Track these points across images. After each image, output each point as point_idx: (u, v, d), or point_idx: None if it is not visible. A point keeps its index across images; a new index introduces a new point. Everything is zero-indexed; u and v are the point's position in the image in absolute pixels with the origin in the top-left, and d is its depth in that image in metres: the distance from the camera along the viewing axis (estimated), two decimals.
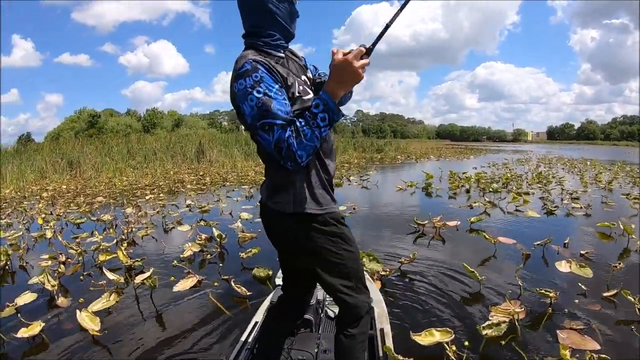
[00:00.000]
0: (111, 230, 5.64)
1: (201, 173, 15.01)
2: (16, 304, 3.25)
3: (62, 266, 3.95)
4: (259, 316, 2.40)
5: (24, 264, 4.46)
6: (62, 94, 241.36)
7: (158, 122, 48.15)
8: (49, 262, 4.13)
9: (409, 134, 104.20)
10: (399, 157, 24.97)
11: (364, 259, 3.61)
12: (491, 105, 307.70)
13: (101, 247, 4.56)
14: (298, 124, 1.29)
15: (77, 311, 2.85)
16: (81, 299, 3.37)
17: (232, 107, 1.41)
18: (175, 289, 3.42)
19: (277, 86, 1.31)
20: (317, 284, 1.75)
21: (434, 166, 16.77)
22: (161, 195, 9.89)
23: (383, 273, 3.54)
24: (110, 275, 3.48)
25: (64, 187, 12.65)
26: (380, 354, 2.01)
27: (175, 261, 4.07)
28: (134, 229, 5.70)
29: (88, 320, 2.80)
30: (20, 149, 18.41)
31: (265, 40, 1.42)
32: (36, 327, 2.77)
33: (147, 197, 9.28)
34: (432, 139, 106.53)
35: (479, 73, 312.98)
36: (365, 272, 3.27)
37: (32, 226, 6.62)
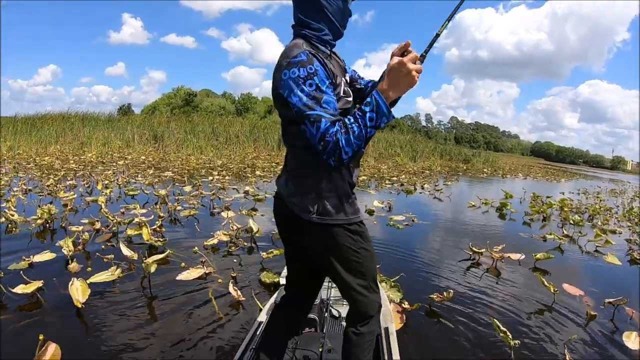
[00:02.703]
0: (158, 206, 5.87)
1: (277, 161, 15.37)
2: (31, 260, 3.54)
3: (86, 234, 4.16)
4: (263, 316, 2.41)
5: (64, 225, 4.79)
6: (166, 71, 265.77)
7: (251, 107, 50.89)
8: (80, 228, 4.37)
9: (502, 148, 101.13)
10: (485, 170, 23.58)
11: (383, 284, 3.25)
12: (591, 127, 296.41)
13: (136, 221, 4.73)
14: (347, 120, 1.32)
15: (74, 279, 2.94)
16: (89, 268, 3.49)
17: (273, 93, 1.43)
18: (179, 277, 3.37)
19: (328, 82, 1.35)
20: (322, 283, 1.85)
21: (520, 185, 15.42)
22: (227, 177, 10.25)
23: (406, 306, 3.06)
24: (125, 251, 3.55)
25: (143, 157, 13.79)
26: (385, 353, 2.03)
27: (197, 247, 4.04)
28: (177, 208, 5.91)
29: (78, 291, 2.87)
30: (113, 118, 20.42)
31: (314, 33, 1.45)
32: (32, 287, 2.95)
33: (211, 178, 9.68)
34: (525, 155, 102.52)
35: (582, 91, 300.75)
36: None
37: (94, 191, 7.19)
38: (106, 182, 7.96)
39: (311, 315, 2.25)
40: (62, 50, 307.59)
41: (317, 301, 2.30)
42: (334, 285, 2.63)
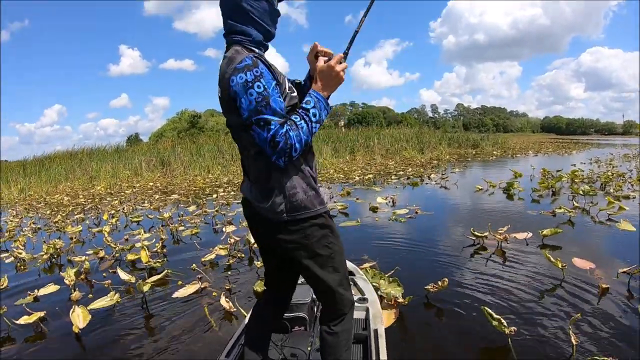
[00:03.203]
0: (160, 228, 6.02)
1: None
2: (36, 294, 3.70)
3: (87, 263, 4.32)
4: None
5: (70, 258, 4.96)
6: (169, 97, 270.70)
7: None
8: (83, 258, 4.53)
9: (511, 128, 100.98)
10: (494, 152, 23.28)
11: (382, 281, 3.27)
12: (598, 95, 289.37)
13: (137, 245, 4.87)
14: (294, 118, 1.42)
15: (75, 306, 3.07)
16: (90, 295, 3.63)
17: (221, 103, 1.50)
18: (175, 294, 3.47)
19: (274, 83, 1.42)
20: (297, 281, 1.90)
21: (531, 163, 15.15)
22: (232, 193, 10.39)
23: (401, 300, 3.00)
24: (123, 275, 3.69)
25: (151, 184, 14.05)
26: (374, 355, 2.04)
27: (194, 264, 4.16)
28: (180, 229, 6.05)
29: (79, 317, 3.01)
30: (120, 148, 20.82)
31: (246, 38, 1.52)
32: (34, 317, 3.11)
33: (215, 195, 9.84)
34: (536, 132, 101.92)
35: (584, 60, 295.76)
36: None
37: (101, 222, 7.39)
38: (112, 212, 8.17)
39: (301, 314, 2.30)
40: (64, 89, 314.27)
41: (308, 300, 2.34)
42: None
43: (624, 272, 3.39)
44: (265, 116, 1.36)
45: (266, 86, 1.37)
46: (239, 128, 1.48)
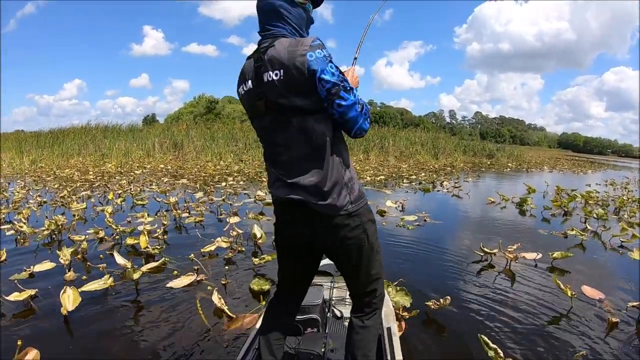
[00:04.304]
0: (164, 213, 5.96)
1: None
2: (32, 270, 3.67)
3: (85, 243, 4.28)
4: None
5: (71, 236, 4.92)
6: (189, 80, 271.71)
7: None
8: (82, 237, 4.48)
9: (528, 141, 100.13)
10: (509, 165, 22.99)
11: (390, 289, 3.15)
12: (619, 116, 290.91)
13: (139, 229, 4.82)
14: None
15: (66, 287, 3.02)
16: (84, 277, 3.60)
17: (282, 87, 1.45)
18: (169, 284, 3.40)
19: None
20: (309, 285, 1.87)
21: (545, 179, 14.87)
22: (241, 182, 10.34)
23: (405, 314, 2.91)
24: (119, 259, 3.61)
25: (162, 166, 14.07)
26: (388, 353, 2.03)
27: (193, 255, 4.07)
28: (183, 215, 5.99)
29: (69, 299, 2.94)
30: (135, 128, 20.94)
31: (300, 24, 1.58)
32: (24, 295, 3.06)
33: (224, 184, 9.78)
34: (553, 147, 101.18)
35: (607, 79, 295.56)
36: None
37: (108, 201, 7.38)
38: (119, 191, 8.16)
39: (313, 316, 2.27)
40: (86, 64, 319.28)
41: (320, 301, 2.32)
42: (336, 285, 2.71)
43: (633, 306, 3.21)
44: (348, 84, 1.47)
45: (336, 65, 1.47)
46: (305, 112, 1.46)
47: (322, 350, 2.07)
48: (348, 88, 1.46)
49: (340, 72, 1.46)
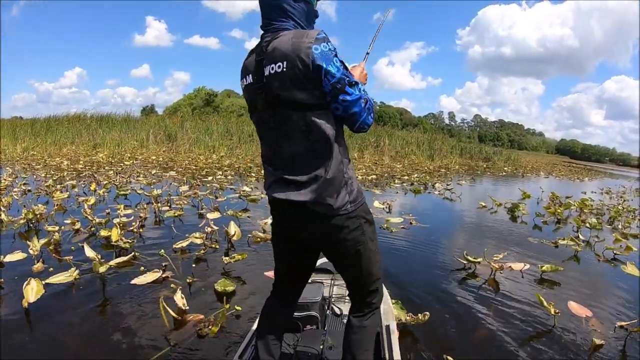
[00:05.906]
0: (145, 206, 5.95)
1: None
2: (2, 259, 3.67)
3: (57, 234, 4.28)
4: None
5: (48, 227, 4.91)
6: (190, 72, 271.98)
7: None
8: (56, 228, 4.48)
9: (526, 146, 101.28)
10: (505, 169, 22.90)
11: None
12: (618, 124, 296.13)
13: (115, 221, 4.80)
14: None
15: (30, 279, 3.01)
16: (51, 268, 3.59)
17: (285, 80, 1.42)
18: (134, 281, 3.36)
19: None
20: (307, 282, 1.90)
21: (540, 184, 14.88)
22: (229, 177, 10.33)
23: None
24: (89, 252, 3.61)
25: (153, 157, 14.04)
26: (387, 352, 2.05)
27: (163, 250, 4.02)
28: (163, 209, 5.99)
29: (33, 291, 2.93)
30: (130, 118, 20.89)
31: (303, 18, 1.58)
32: None
33: (211, 178, 9.77)
34: (550, 153, 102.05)
35: (608, 87, 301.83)
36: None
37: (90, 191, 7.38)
38: (105, 182, 8.15)
39: (312, 313, 2.28)
40: (87, 53, 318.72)
41: (319, 299, 2.33)
42: (336, 283, 2.71)
43: (621, 326, 3.09)
44: (352, 79, 1.46)
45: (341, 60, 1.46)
46: (307, 108, 1.43)
47: (321, 347, 2.08)
48: (353, 82, 1.45)
49: (345, 66, 1.46)
